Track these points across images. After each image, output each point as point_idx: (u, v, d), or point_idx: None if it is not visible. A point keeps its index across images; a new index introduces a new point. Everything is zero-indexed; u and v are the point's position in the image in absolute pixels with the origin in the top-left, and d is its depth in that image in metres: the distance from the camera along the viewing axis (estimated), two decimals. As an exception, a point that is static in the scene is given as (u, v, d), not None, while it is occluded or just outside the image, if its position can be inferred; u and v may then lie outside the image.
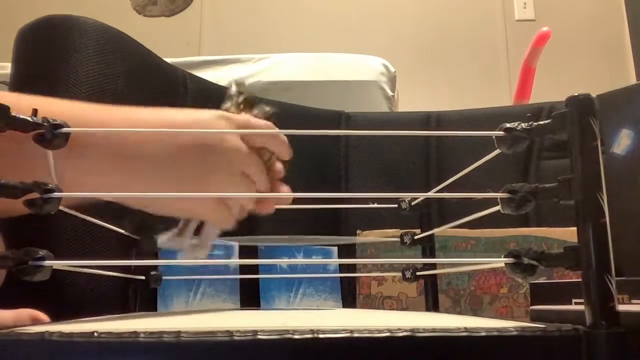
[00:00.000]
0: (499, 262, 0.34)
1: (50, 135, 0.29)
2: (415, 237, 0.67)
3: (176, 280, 0.80)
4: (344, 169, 1.20)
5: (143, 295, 0.63)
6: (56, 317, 0.55)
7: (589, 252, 0.31)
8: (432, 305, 0.68)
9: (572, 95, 0.32)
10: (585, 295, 0.31)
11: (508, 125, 0.33)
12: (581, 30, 2.34)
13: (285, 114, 1.17)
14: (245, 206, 0.50)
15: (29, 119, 0.29)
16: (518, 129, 0.33)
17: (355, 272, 0.93)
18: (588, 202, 0.31)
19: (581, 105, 0.32)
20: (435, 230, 0.65)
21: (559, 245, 0.93)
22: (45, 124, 0.29)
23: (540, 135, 0.34)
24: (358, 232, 1.03)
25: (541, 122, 0.33)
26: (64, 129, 0.29)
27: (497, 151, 0.36)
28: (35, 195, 0.30)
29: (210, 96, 1.09)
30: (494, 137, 0.34)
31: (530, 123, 0.33)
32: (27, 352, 0.27)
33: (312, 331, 0.28)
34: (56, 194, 0.30)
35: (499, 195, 0.34)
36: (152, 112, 0.49)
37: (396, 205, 0.67)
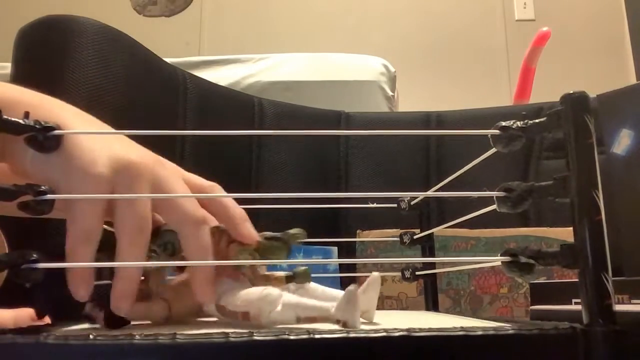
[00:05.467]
0: (496, 260, 0.34)
1: (42, 137, 0.29)
2: (415, 237, 0.66)
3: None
4: (344, 169, 1.20)
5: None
6: (56, 317, 0.55)
7: (585, 249, 0.31)
8: (432, 305, 0.67)
9: (567, 93, 0.32)
10: (582, 293, 0.31)
11: (503, 123, 0.33)
12: (581, 30, 2.33)
13: (285, 114, 1.19)
14: None
15: (20, 121, 0.29)
16: (513, 127, 0.33)
17: (355, 272, 0.93)
18: (584, 200, 0.31)
19: (576, 103, 0.32)
20: (435, 230, 0.65)
21: (558, 245, 0.93)
22: (37, 126, 0.29)
23: (536, 133, 0.33)
24: (358, 232, 1.03)
25: (536, 120, 0.33)
26: (56, 132, 0.29)
27: (494, 150, 0.35)
28: (28, 197, 0.30)
29: (210, 96, 1.09)
30: (489, 135, 0.34)
31: (526, 121, 0.33)
32: (22, 356, 0.27)
33: (308, 331, 0.28)
34: (49, 196, 0.30)
35: (495, 193, 0.34)
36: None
37: (396, 205, 0.67)
